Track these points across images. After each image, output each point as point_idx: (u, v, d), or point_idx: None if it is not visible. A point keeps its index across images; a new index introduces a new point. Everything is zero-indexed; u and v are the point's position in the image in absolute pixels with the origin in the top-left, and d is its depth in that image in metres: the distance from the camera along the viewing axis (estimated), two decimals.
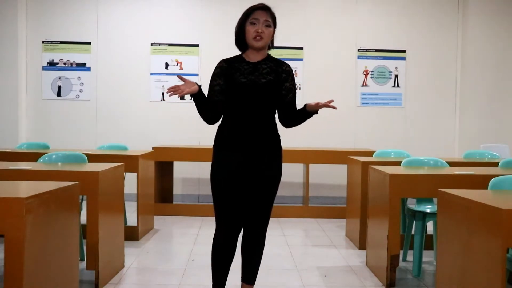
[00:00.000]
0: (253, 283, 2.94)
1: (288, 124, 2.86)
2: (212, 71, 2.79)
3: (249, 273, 2.91)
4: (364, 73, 7.12)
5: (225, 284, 2.85)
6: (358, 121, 7.12)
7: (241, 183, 2.72)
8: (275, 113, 2.83)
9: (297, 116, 2.81)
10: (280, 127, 2.86)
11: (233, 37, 2.81)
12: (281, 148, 2.84)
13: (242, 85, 2.70)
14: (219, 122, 2.82)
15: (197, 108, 2.73)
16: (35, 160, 4.05)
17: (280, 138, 2.84)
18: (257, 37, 2.69)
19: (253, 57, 2.77)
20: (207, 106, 2.73)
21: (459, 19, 7.08)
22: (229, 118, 2.75)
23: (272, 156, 2.78)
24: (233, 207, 2.72)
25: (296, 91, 2.86)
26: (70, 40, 7.02)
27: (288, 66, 2.83)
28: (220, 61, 2.80)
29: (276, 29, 2.81)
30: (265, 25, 2.70)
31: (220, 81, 2.73)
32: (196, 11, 7.04)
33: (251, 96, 2.70)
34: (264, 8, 2.73)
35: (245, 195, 2.74)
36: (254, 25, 2.69)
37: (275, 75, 2.75)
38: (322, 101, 2.68)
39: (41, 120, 7.04)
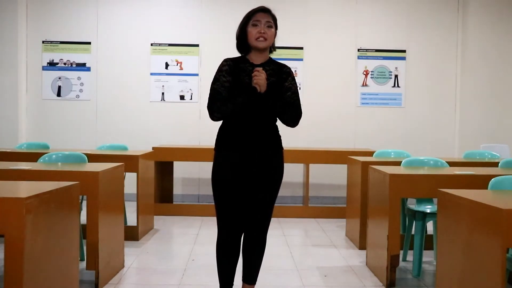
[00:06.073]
0: (254, 283, 2.94)
1: (285, 120, 2.81)
2: (218, 68, 2.78)
3: (250, 273, 2.91)
4: (364, 73, 7.12)
5: (232, 285, 2.86)
6: (358, 121, 7.11)
7: (242, 183, 2.73)
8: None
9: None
10: (281, 128, 2.87)
11: (233, 37, 2.83)
12: (282, 148, 2.86)
13: (247, 86, 2.70)
14: (220, 122, 2.83)
15: (234, 106, 2.69)
16: (35, 160, 4.05)
17: (281, 138, 2.86)
18: (260, 38, 2.72)
19: (256, 59, 2.80)
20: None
21: (459, 19, 7.08)
22: (231, 118, 2.74)
23: (273, 156, 2.80)
24: (234, 207, 2.74)
25: (298, 92, 2.87)
26: (70, 40, 7.02)
27: (289, 68, 2.89)
28: (225, 59, 2.81)
29: (277, 30, 2.82)
30: (267, 26, 2.74)
31: (230, 78, 2.74)
32: (196, 11, 7.03)
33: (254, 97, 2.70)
34: (265, 10, 2.77)
35: (246, 195, 2.76)
36: (256, 26, 2.73)
37: (277, 77, 2.78)
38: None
39: (41, 120, 7.03)
